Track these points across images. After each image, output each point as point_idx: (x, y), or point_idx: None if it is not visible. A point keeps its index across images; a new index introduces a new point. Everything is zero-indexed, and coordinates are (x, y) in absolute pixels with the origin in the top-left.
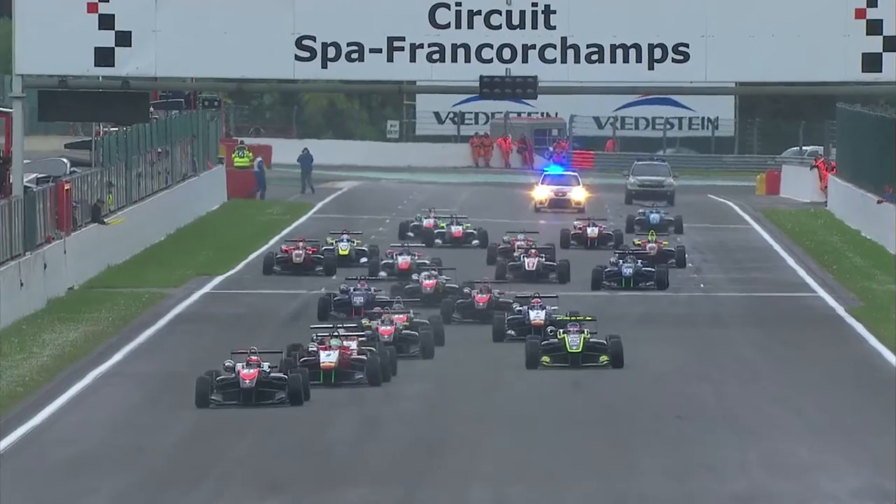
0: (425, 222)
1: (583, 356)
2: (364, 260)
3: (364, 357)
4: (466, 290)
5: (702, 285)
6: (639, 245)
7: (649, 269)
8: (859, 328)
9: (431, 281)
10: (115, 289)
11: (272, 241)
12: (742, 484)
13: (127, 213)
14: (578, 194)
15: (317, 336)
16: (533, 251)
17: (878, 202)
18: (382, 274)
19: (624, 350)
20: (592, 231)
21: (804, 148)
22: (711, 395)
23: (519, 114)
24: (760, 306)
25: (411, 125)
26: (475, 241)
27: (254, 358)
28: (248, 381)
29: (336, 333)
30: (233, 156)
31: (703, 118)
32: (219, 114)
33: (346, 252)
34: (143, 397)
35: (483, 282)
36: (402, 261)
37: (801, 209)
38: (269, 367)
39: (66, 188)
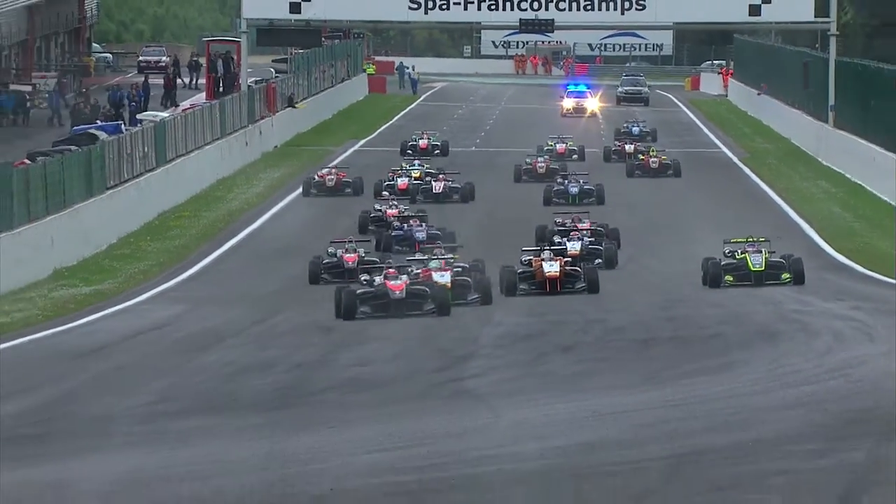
0: (420, 143)
1: (766, 274)
2: (437, 152)
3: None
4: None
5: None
6: (643, 160)
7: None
8: (746, 170)
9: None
10: (301, 147)
11: (395, 118)
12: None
13: (308, 102)
14: (592, 104)
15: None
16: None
17: (758, 94)
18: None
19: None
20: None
21: (714, 62)
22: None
23: (543, 41)
24: (689, 157)
25: (477, 49)
26: (456, 197)
27: (391, 270)
28: (397, 293)
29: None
30: (366, 68)
31: (653, 44)
32: (362, 42)
33: (419, 175)
34: (325, 209)
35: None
36: (402, 182)
37: (711, 99)
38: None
39: (272, 86)
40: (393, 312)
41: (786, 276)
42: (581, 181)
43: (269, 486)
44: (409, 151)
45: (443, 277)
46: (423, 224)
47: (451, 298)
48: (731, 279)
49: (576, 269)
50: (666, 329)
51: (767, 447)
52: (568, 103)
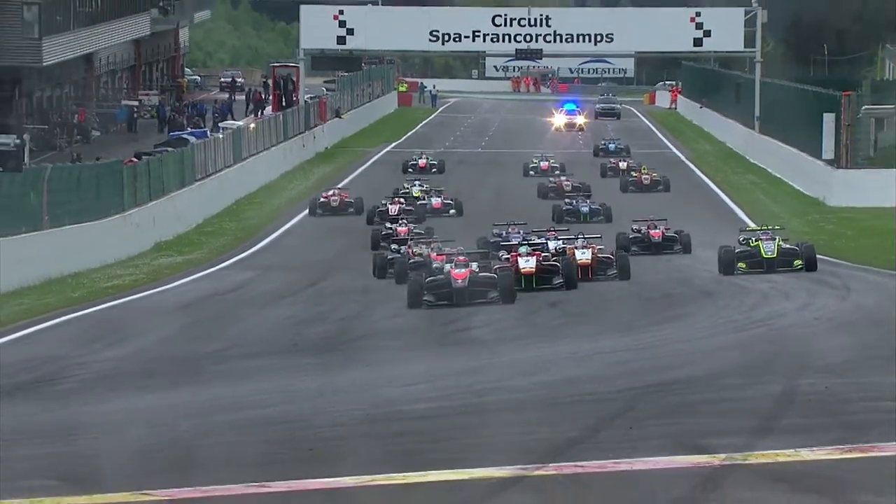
0: (420, 162)
1: (778, 261)
2: (434, 170)
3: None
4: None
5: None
6: (636, 177)
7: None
8: (691, 166)
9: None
10: (346, 148)
11: (419, 126)
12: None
13: (351, 113)
14: (580, 121)
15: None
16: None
17: (700, 108)
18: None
19: None
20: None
21: (666, 82)
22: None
23: (533, 66)
24: (646, 155)
25: (482, 72)
26: (452, 211)
27: (461, 258)
28: (459, 281)
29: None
30: (397, 86)
31: (619, 68)
32: (393, 66)
33: (419, 195)
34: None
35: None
36: (392, 208)
37: (664, 111)
38: (478, 266)
39: (323, 101)
40: (456, 301)
41: (797, 262)
42: (590, 201)
43: (319, 411)
44: (410, 170)
45: (528, 262)
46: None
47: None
48: (744, 266)
49: (553, 265)
50: (634, 291)
51: (707, 381)
52: (559, 120)
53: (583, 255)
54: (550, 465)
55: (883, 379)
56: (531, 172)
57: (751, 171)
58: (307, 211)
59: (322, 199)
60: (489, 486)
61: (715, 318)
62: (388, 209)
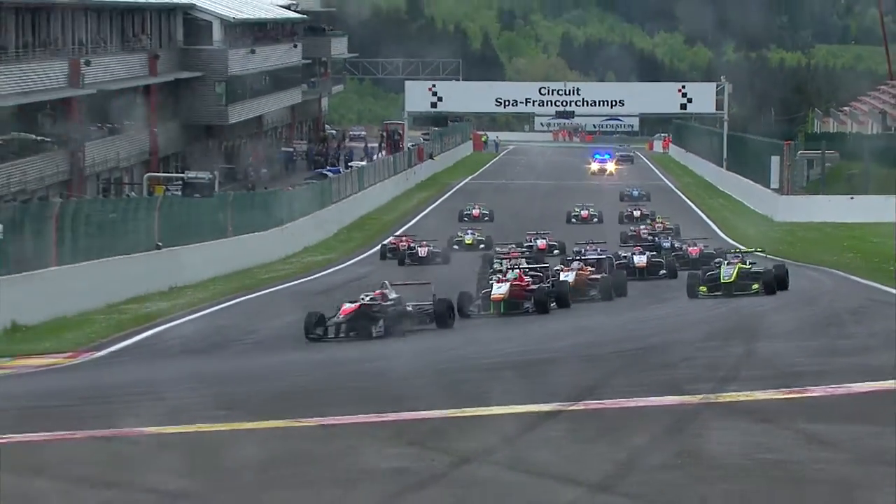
0: (473, 212)
1: (735, 285)
2: (482, 247)
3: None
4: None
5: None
6: (651, 224)
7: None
8: (683, 197)
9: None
10: (436, 181)
11: (487, 165)
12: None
13: (440, 156)
14: (610, 167)
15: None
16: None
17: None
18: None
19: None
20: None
21: (661, 134)
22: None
23: (568, 122)
24: (648, 188)
25: (532, 126)
26: (556, 251)
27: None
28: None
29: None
30: (481, 137)
31: (627, 124)
32: (469, 123)
33: (471, 242)
34: (447, 215)
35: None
36: (541, 243)
37: (660, 155)
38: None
39: (421, 147)
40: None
41: (755, 286)
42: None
43: (437, 361)
44: (465, 219)
45: (500, 289)
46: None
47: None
48: (705, 289)
49: (529, 290)
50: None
51: (684, 345)
52: (594, 167)
53: (565, 277)
54: (580, 402)
55: (813, 342)
56: (573, 220)
57: (720, 196)
58: (428, 210)
59: (391, 244)
60: (536, 417)
61: (693, 301)
62: (472, 212)
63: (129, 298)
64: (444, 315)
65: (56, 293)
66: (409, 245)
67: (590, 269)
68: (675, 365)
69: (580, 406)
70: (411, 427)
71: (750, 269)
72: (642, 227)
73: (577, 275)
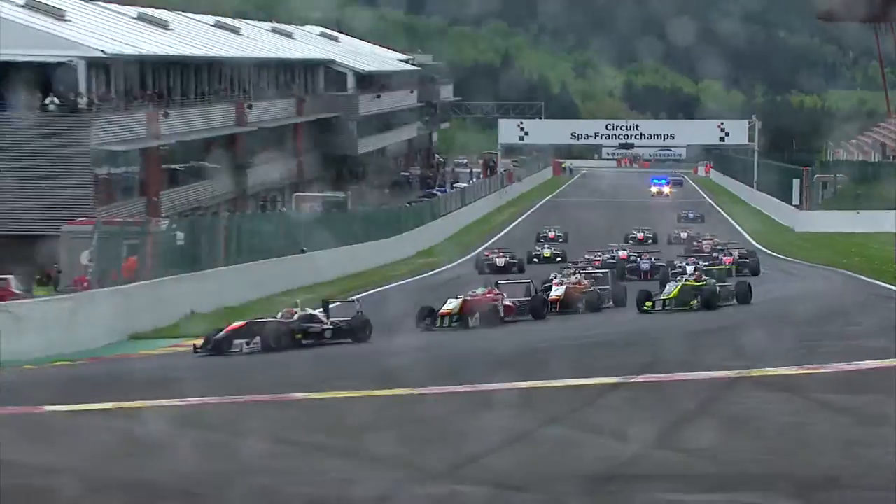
0: (549, 234)
1: (676, 300)
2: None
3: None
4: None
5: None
6: (698, 245)
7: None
8: (717, 207)
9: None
10: (522, 199)
11: (563, 186)
12: None
13: (526, 179)
14: (666, 190)
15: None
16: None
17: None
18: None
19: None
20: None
21: (703, 161)
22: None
23: (629, 152)
24: (692, 206)
25: (600, 155)
26: (657, 277)
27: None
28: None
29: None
30: (560, 164)
31: (677, 153)
32: (549, 152)
33: (549, 255)
34: (532, 227)
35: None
36: (622, 253)
37: (702, 178)
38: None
39: (511, 172)
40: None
41: (693, 303)
42: (652, 258)
43: (516, 344)
44: (542, 240)
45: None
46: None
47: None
48: (650, 305)
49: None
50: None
51: (656, 338)
52: (654, 189)
53: (555, 292)
54: (638, 376)
55: (826, 328)
56: (629, 241)
57: (750, 210)
58: (522, 218)
59: (486, 257)
60: (600, 388)
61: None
62: (548, 234)
63: (281, 292)
64: (359, 330)
65: (224, 288)
66: (487, 256)
67: (585, 283)
68: (721, 345)
69: (639, 379)
70: (513, 394)
71: (695, 284)
72: (704, 241)
73: (566, 289)
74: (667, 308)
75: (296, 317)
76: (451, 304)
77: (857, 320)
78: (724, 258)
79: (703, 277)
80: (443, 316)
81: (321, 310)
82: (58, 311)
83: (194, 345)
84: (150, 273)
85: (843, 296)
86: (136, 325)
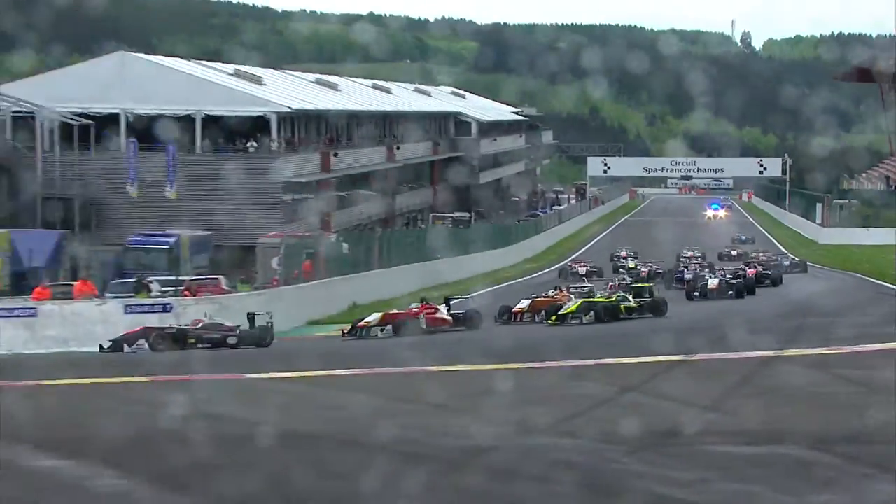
0: (621, 253)
1: (572, 315)
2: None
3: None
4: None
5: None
6: (753, 256)
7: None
8: (757, 225)
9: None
10: (607, 216)
11: (638, 208)
12: None
13: (609, 203)
14: (721, 214)
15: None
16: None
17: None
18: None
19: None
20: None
21: (746, 189)
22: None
23: (687, 182)
24: (741, 223)
25: (666, 185)
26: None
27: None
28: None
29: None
30: (635, 191)
31: (726, 183)
32: (628, 182)
33: (633, 265)
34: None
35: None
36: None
37: (746, 202)
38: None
39: (596, 197)
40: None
41: (586, 317)
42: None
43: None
44: (615, 259)
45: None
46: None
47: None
48: (553, 319)
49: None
50: None
51: (764, 320)
52: (710, 213)
53: (519, 305)
54: (697, 354)
55: (844, 318)
56: (682, 260)
57: (783, 227)
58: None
59: (572, 267)
60: (668, 364)
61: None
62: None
63: (420, 288)
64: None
65: (378, 286)
66: (572, 266)
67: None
68: (760, 331)
69: (695, 357)
70: (598, 369)
71: (592, 300)
72: (761, 255)
73: (532, 302)
74: (573, 321)
75: (416, 307)
76: (523, 304)
77: (867, 312)
78: (749, 270)
79: (610, 294)
80: (515, 314)
81: (444, 304)
82: (255, 303)
83: (342, 330)
84: (323, 274)
85: (856, 293)
86: (312, 313)
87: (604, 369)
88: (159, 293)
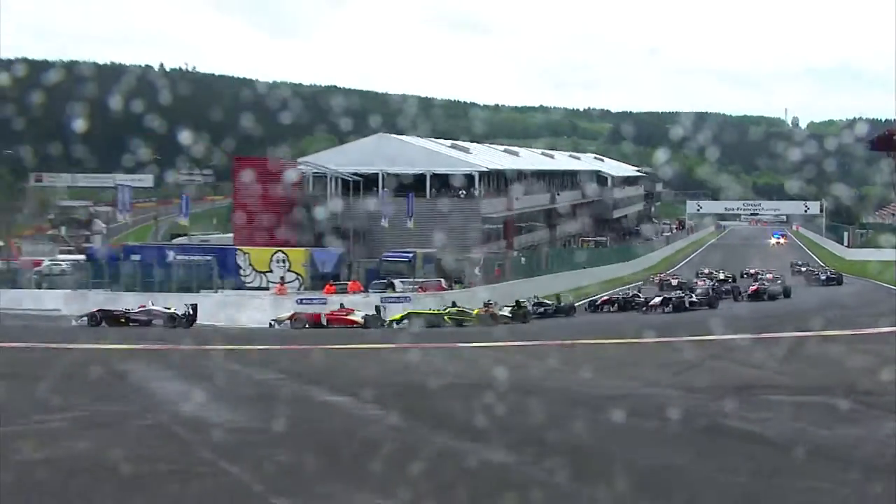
0: (706, 270)
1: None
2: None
3: None
4: None
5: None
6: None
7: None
8: (804, 247)
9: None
10: (697, 242)
11: (719, 236)
12: None
13: (697, 232)
14: (782, 241)
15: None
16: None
17: (794, 229)
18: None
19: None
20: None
21: (795, 223)
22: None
23: (754, 216)
24: (795, 254)
25: (740, 218)
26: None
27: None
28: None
29: None
30: (718, 223)
31: (780, 219)
32: (714, 221)
33: (723, 277)
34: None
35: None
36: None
37: (795, 231)
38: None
39: (691, 225)
40: None
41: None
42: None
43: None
44: (701, 275)
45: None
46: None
47: None
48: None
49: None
50: None
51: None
52: (772, 241)
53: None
54: (762, 333)
55: (864, 310)
56: (744, 276)
57: (821, 248)
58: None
59: (664, 279)
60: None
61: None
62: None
63: (574, 287)
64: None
65: (545, 285)
66: (664, 278)
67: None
68: (807, 319)
69: (763, 335)
70: (699, 344)
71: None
72: (803, 268)
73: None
74: (656, 311)
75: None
76: (606, 296)
77: (882, 307)
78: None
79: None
80: (604, 303)
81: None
82: (462, 296)
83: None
84: (508, 278)
85: (872, 293)
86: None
87: (692, 343)
88: (401, 289)
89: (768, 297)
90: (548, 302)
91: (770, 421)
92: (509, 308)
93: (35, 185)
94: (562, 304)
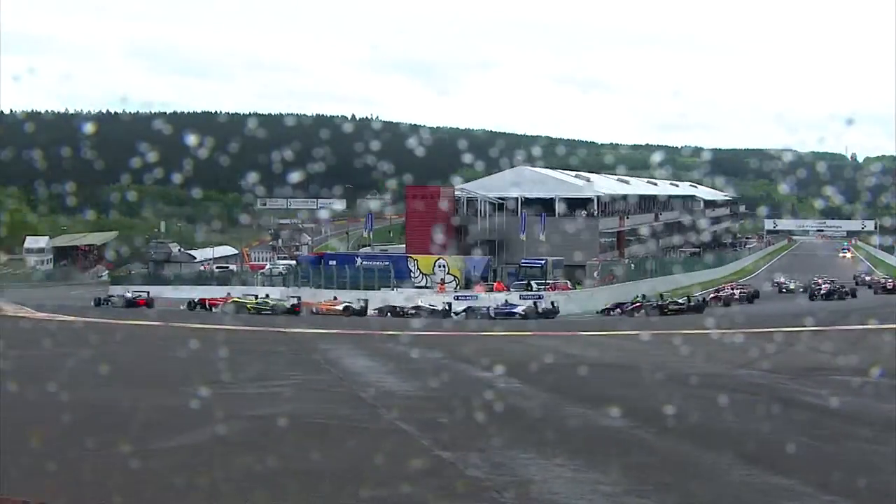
0: (780, 279)
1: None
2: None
3: None
4: None
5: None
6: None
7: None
8: (864, 260)
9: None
10: (772, 253)
11: (790, 249)
12: None
13: (772, 245)
14: (849, 254)
15: None
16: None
17: (852, 243)
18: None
19: None
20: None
21: (854, 238)
22: None
23: (820, 232)
24: (859, 267)
25: (809, 234)
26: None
27: None
28: None
29: None
30: (790, 237)
31: (840, 235)
32: (785, 238)
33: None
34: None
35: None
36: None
37: (854, 245)
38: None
39: (769, 240)
40: None
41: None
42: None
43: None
44: (774, 285)
45: None
46: None
47: None
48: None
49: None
50: None
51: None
52: (842, 253)
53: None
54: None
55: (885, 308)
56: (814, 285)
57: (875, 258)
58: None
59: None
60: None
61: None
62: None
63: (671, 289)
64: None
65: (649, 286)
66: (730, 288)
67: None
68: (848, 313)
69: (828, 328)
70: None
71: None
72: (868, 277)
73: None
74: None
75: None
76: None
77: None
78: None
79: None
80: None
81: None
82: (581, 295)
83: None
84: (622, 279)
85: None
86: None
87: (760, 334)
88: (536, 288)
89: (838, 297)
90: (679, 301)
91: (829, 398)
92: (680, 301)
93: (260, 208)
94: (691, 302)
